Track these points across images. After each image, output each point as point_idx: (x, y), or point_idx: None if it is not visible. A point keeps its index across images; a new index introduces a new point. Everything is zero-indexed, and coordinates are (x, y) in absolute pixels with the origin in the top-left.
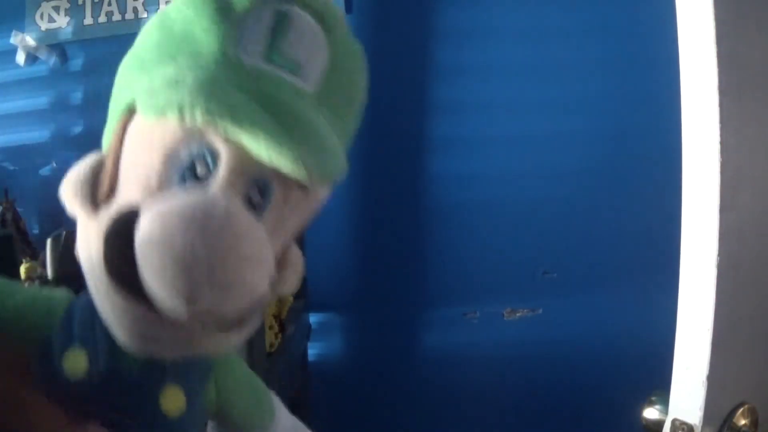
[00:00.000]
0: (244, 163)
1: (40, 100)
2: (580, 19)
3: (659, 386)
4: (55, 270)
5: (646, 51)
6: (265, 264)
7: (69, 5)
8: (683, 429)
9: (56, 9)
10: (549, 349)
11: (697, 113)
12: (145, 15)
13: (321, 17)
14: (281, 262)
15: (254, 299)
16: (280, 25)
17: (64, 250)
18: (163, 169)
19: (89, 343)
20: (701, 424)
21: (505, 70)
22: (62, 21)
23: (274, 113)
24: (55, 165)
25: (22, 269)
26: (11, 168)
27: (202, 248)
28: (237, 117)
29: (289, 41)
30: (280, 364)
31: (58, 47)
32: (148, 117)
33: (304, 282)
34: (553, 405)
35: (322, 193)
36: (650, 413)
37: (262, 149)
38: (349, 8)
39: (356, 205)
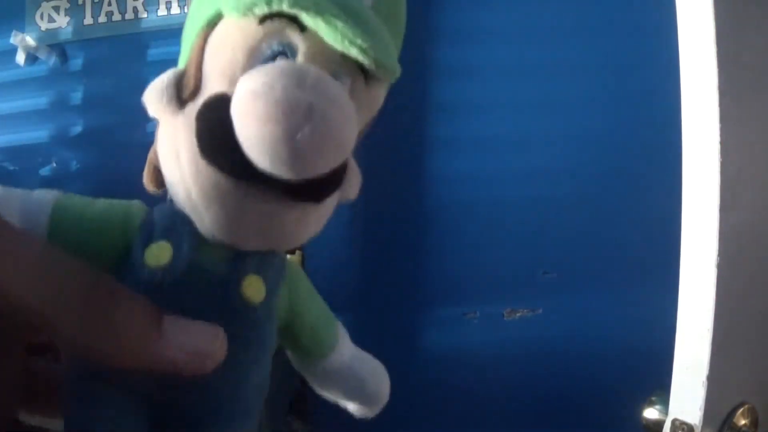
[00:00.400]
0: (319, 55)
1: (40, 100)
2: (580, 19)
3: (659, 386)
4: None
5: (646, 51)
6: (353, 120)
7: (69, 5)
8: (683, 429)
9: (56, 9)
10: (549, 349)
11: (697, 113)
12: (145, 15)
13: None
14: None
15: (343, 155)
16: None
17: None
18: (247, 64)
19: (172, 237)
20: (701, 424)
21: (505, 70)
22: (62, 21)
23: (345, 9)
24: (55, 165)
25: None
26: (11, 168)
27: (302, 94)
28: (317, 5)
29: None
30: (280, 364)
31: (58, 47)
32: (231, 21)
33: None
34: (553, 405)
35: (381, 94)
36: (650, 413)
37: (338, 35)
38: None
39: (356, 204)
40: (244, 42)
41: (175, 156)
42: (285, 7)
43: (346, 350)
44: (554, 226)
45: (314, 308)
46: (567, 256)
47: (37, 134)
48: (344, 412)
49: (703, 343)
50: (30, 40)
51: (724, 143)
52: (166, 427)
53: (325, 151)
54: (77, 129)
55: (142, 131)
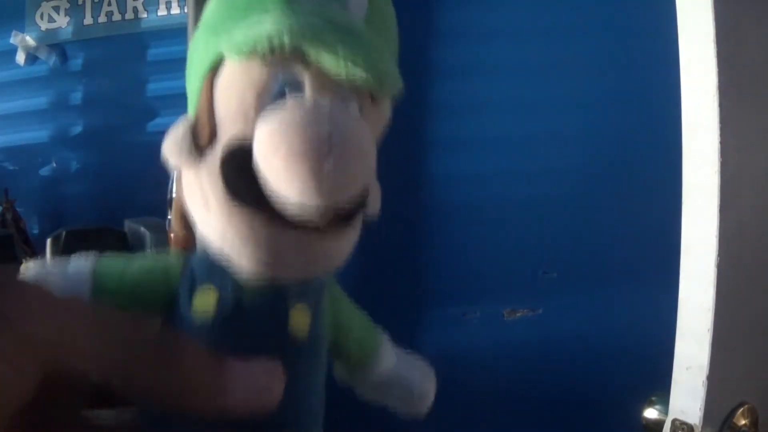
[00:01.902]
0: (325, 84)
1: (40, 100)
2: (580, 19)
3: (659, 386)
4: None
5: (646, 51)
6: (371, 140)
7: (69, 5)
8: (683, 429)
9: (56, 9)
10: (549, 349)
11: (697, 113)
12: (145, 15)
13: None
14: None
15: (367, 179)
16: None
17: (64, 250)
18: (258, 104)
19: (215, 280)
20: (701, 424)
21: (505, 70)
22: (62, 21)
23: (343, 34)
24: (55, 165)
25: (22, 269)
26: (11, 168)
27: (320, 129)
28: (317, 36)
29: None
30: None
31: (58, 47)
32: (235, 63)
33: None
34: (553, 405)
35: (388, 109)
36: (650, 413)
37: (342, 65)
38: None
39: None
40: (252, 83)
41: (205, 204)
42: (287, 42)
43: (391, 356)
44: (554, 226)
45: (357, 320)
46: (567, 256)
47: (37, 134)
48: (344, 413)
49: (703, 343)
50: (30, 40)
51: (724, 143)
52: None
53: (351, 177)
54: (77, 129)
55: (142, 131)
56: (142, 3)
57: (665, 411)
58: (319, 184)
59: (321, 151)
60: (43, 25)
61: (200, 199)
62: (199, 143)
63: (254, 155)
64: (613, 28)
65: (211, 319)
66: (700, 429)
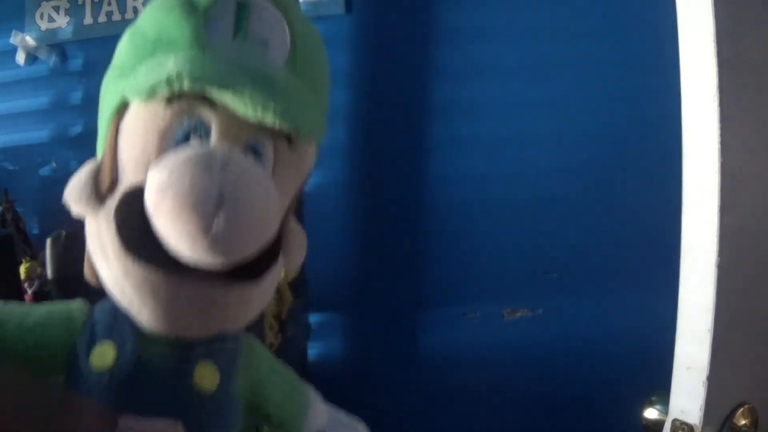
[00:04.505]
0: (233, 127)
1: (40, 100)
2: (580, 19)
3: (659, 386)
4: (55, 269)
5: (646, 51)
6: (271, 195)
7: (69, 5)
8: (683, 429)
9: (56, 9)
10: (549, 349)
11: (697, 113)
12: None
13: (277, 2)
14: (284, 235)
15: (266, 235)
16: (243, 12)
17: (64, 250)
18: (160, 148)
19: (115, 337)
20: (701, 424)
21: (504, 70)
22: (62, 21)
23: (253, 77)
24: (55, 165)
25: (22, 269)
26: (11, 168)
27: (210, 182)
28: (221, 79)
29: (254, 24)
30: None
31: (58, 47)
32: (139, 105)
33: (304, 282)
34: (553, 405)
35: (311, 152)
36: (650, 413)
37: (248, 106)
38: (349, 8)
39: (356, 205)
40: (155, 125)
41: (103, 254)
42: (187, 87)
43: (318, 414)
44: (554, 226)
45: (278, 382)
46: (567, 256)
47: (37, 134)
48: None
49: (703, 343)
50: (30, 40)
51: (724, 143)
52: None
53: (245, 235)
54: (77, 129)
55: None
56: (142, 3)
57: (665, 411)
58: (208, 243)
59: (209, 208)
60: (43, 25)
61: (99, 249)
62: (100, 190)
63: (146, 197)
64: (613, 28)
65: (108, 374)
66: (700, 429)
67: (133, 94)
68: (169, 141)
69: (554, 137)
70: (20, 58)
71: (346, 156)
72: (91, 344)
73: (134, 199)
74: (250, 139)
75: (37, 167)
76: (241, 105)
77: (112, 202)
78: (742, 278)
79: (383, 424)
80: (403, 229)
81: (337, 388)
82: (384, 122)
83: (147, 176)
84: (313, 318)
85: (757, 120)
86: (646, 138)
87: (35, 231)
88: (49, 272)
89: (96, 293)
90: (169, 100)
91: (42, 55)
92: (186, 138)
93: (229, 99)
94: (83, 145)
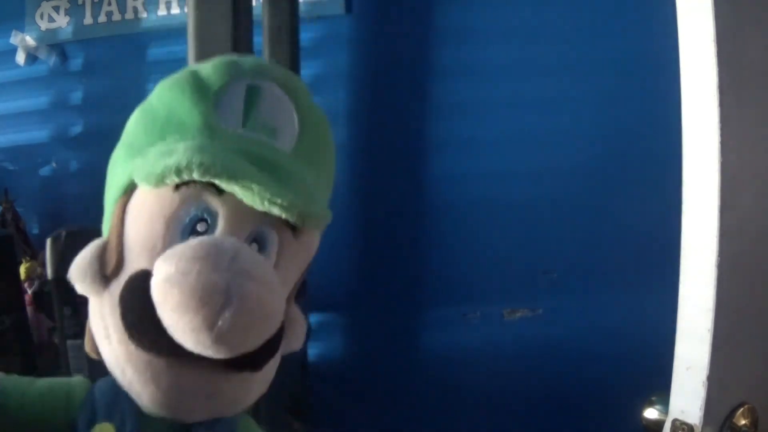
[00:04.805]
0: (240, 216)
1: (40, 100)
2: (580, 19)
3: (659, 386)
4: (55, 269)
5: (646, 51)
6: (277, 291)
7: (69, 5)
8: (683, 429)
9: (56, 9)
10: (549, 349)
11: (697, 113)
12: (144, 15)
13: (286, 87)
14: (285, 324)
15: (270, 331)
16: (253, 97)
17: (64, 250)
18: (167, 234)
19: (115, 417)
20: (701, 424)
21: (505, 70)
22: (62, 21)
23: (261, 167)
24: (55, 165)
25: (22, 269)
26: (11, 168)
27: (218, 277)
28: (230, 170)
29: (262, 110)
30: (280, 364)
31: (58, 47)
32: (147, 188)
33: (304, 282)
34: (553, 405)
35: (314, 241)
36: (650, 413)
37: (256, 197)
38: (349, 8)
39: (356, 205)
40: (161, 211)
41: (106, 336)
42: (196, 177)
43: None
44: (554, 226)
45: None
46: (567, 256)
47: (37, 134)
48: (344, 413)
49: (703, 343)
50: (30, 40)
51: (724, 143)
52: None
53: (251, 330)
54: (77, 129)
55: None
56: (142, 3)
57: (665, 411)
58: (214, 338)
59: (216, 304)
60: (43, 25)
61: (102, 330)
62: (105, 272)
63: (152, 289)
64: (613, 28)
65: None
66: (700, 429)
67: (142, 179)
68: (176, 227)
69: (554, 137)
70: (20, 58)
71: (346, 156)
72: (91, 423)
73: (140, 285)
74: (256, 228)
75: (37, 167)
76: (249, 195)
77: (117, 286)
78: (742, 278)
79: (383, 424)
80: (403, 229)
81: (337, 388)
82: (384, 122)
83: (154, 266)
84: (313, 318)
85: (757, 120)
86: (646, 138)
87: (35, 231)
88: (49, 272)
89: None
90: (177, 187)
91: (42, 55)
92: (192, 224)
93: (237, 190)
94: (83, 145)
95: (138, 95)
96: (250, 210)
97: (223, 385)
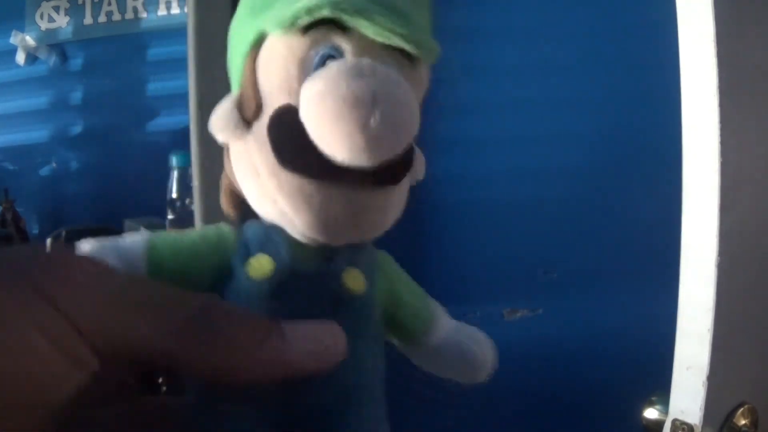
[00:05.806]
0: (364, 50)
1: (40, 100)
2: (580, 19)
3: (659, 386)
4: None
5: (646, 51)
6: (414, 101)
7: (69, 5)
8: (683, 429)
9: (56, 9)
10: (549, 349)
11: (697, 113)
12: (144, 15)
13: None
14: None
15: (413, 133)
16: None
17: None
18: (301, 74)
19: (269, 248)
20: (701, 424)
21: (505, 70)
22: (62, 21)
23: (381, 4)
24: (55, 165)
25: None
26: (11, 168)
27: (363, 82)
28: (356, 7)
29: None
30: None
31: (58, 47)
32: (276, 38)
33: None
34: (553, 405)
35: (426, 74)
36: (650, 413)
37: (379, 31)
38: None
39: None
40: (293, 55)
41: (255, 173)
42: (326, 13)
43: (445, 323)
44: (554, 226)
45: (410, 289)
46: (567, 256)
47: (37, 134)
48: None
49: (703, 343)
50: (30, 40)
51: (724, 143)
52: (297, 426)
53: (398, 131)
54: (77, 129)
55: (142, 131)
56: (142, 3)
57: (665, 411)
58: (366, 139)
59: (366, 105)
60: (43, 25)
61: (250, 170)
62: (246, 117)
63: (300, 117)
64: (613, 28)
65: (267, 283)
66: (700, 429)
67: (273, 26)
68: (308, 67)
69: (554, 137)
70: (20, 58)
71: None
72: (247, 257)
73: (286, 114)
74: (380, 61)
75: (37, 167)
76: (372, 29)
77: (259, 126)
78: (742, 278)
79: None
80: (403, 229)
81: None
82: None
83: (301, 91)
84: None
85: (757, 120)
86: (646, 138)
87: (35, 231)
88: None
89: None
90: (305, 30)
91: (42, 55)
92: (322, 61)
93: (362, 24)
94: (83, 145)
95: (138, 95)
96: (373, 45)
97: (368, 203)
